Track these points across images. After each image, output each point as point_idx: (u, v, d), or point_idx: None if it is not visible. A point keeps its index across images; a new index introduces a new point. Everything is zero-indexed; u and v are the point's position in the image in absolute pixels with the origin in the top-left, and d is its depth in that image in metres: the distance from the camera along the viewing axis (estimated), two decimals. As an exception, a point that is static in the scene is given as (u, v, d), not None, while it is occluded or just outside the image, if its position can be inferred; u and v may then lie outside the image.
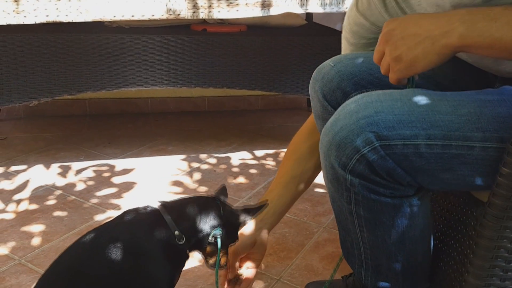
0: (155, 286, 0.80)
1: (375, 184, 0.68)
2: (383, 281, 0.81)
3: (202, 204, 0.88)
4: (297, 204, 1.54)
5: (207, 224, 0.86)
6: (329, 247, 1.30)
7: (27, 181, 1.63)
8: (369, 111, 0.66)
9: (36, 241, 1.29)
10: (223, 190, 0.98)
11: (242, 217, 0.91)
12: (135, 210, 0.86)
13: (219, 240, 0.87)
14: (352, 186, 0.69)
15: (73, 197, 1.54)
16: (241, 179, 1.71)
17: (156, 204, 0.87)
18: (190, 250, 0.88)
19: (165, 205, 0.87)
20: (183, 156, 1.90)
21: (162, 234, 0.83)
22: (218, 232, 0.87)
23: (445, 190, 0.82)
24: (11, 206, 1.46)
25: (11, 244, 1.27)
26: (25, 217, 1.40)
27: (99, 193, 1.57)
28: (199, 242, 0.87)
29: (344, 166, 0.68)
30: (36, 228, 1.35)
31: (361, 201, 0.71)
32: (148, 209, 0.87)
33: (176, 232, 0.83)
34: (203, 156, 1.91)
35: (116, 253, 0.77)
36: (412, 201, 0.71)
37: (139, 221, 0.85)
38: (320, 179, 1.75)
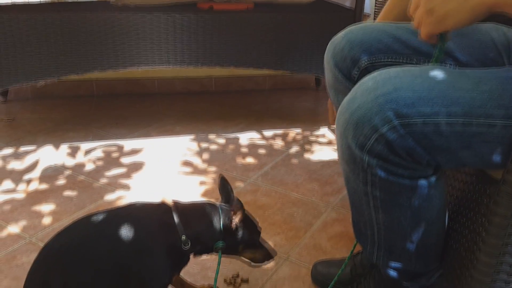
0: (148, 283, 0.81)
1: (394, 165, 0.66)
2: (396, 261, 0.80)
3: (209, 213, 0.89)
4: (305, 184, 1.53)
5: (211, 236, 0.88)
6: (337, 226, 1.30)
7: (37, 161, 1.64)
8: (387, 88, 0.64)
9: (46, 220, 1.30)
10: (226, 188, 0.94)
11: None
12: (148, 205, 0.87)
13: (219, 254, 0.89)
14: (369, 167, 0.67)
15: (83, 177, 1.54)
16: (249, 159, 1.71)
17: (169, 203, 0.87)
18: (196, 255, 0.89)
19: (177, 206, 0.87)
20: (190, 137, 1.90)
21: (169, 235, 0.83)
22: (220, 245, 0.89)
23: (460, 168, 0.80)
24: (22, 186, 1.48)
25: (22, 223, 1.28)
26: (35, 197, 1.41)
27: (108, 173, 1.57)
28: (203, 250, 0.89)
29: (362, 147, 0.66)
30: (46, 207, 1.36)
31: (377, 182, 0.69)
32: (161, 206, 0.86)
33: (183, 237, 0.83)
34: (211, 136, 1.90)
35: (119, 242, 0.77)
36: (430, 182, 0.69)
37: (149, 217, 0.85)
38: (328, 158, 1.73)
